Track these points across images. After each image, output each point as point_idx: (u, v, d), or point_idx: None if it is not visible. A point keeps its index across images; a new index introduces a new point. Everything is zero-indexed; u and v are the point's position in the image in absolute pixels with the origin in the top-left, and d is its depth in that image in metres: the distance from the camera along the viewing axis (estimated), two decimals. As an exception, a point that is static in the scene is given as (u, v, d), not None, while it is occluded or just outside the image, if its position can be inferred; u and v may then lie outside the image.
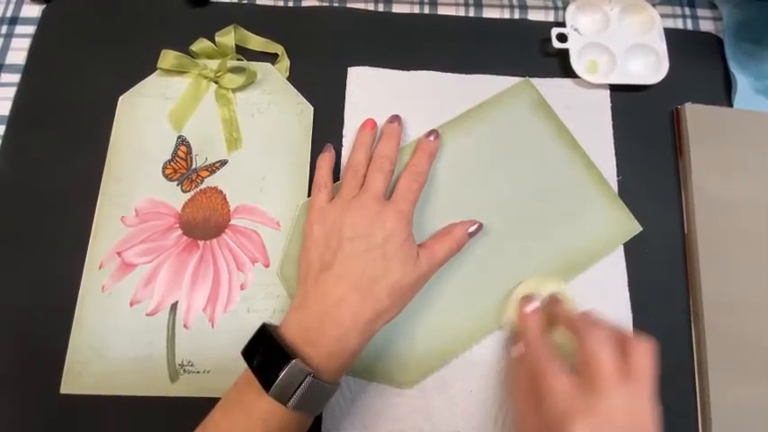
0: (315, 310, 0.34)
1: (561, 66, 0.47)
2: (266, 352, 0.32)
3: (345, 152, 0.44)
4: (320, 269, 0.36)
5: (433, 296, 0.40)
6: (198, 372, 0.38)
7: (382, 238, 0.36)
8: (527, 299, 0.38)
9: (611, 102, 0.46)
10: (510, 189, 0.43)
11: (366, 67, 0.46)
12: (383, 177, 0.39)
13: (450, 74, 0.46)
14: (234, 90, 0.45)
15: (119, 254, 0.40)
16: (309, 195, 0.42)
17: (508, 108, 0.45)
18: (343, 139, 0.44)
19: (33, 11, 0.48)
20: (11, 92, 0.45)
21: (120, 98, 0.44)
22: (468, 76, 0.46)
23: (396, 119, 0.43)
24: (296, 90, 0.45)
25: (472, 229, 0.40)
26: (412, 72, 0.46)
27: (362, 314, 0.34)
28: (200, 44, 0.45)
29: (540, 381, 0.33)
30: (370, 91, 0.46)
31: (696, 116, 0.44)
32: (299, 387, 0.30)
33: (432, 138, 0.42)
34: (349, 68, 0.46)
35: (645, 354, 0.32)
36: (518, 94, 0.45)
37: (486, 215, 0.41)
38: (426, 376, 0.39)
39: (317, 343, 0.33)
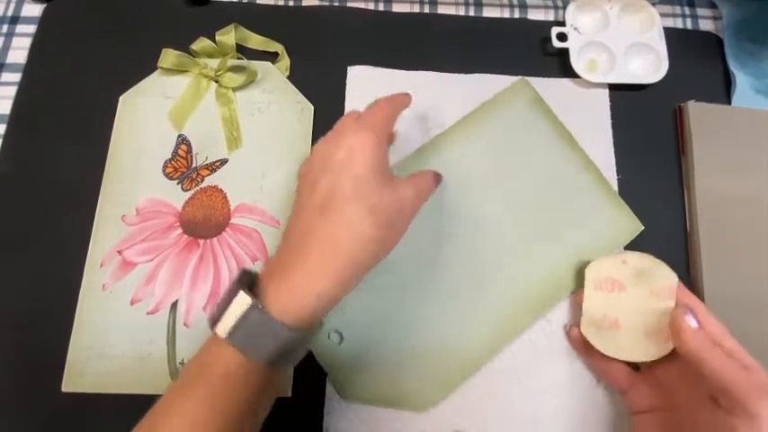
0: (288, 243, 0.31)
1: (561, 65, 0.47)
2: (227, 292, 0.30)
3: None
4: (307, 200, 0.32)
5: (444, 307, 0.39)
6: (198, 370, 0.38)
7: (346, 156, 0.31)
8: (682, 311, 0.34)
9: (611, 101, 0.46)
10: (512, 193, 0.42)
11: (366, 66, 0.46)
12: (370, 111, 0.35)
13: (449, 74, 0.46)
14: (234, 89, 0.45)
15: (119, 253, 0.40)
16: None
17: (506, 110, 0.45)
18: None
19: (34, 10, 0.48)
20: (11, 91, 0.45)
21: (121, 97, 0.44)
22: (468, 75, 0.46)
23: (408, 95, 0.38)
24: (296, 89, 0.45)
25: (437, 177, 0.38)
26: (412, 72, 0.46)
27: (339, 242, 0.29)
28: (201, 43, 0.45)
29: (716, 377, 0.31)
30: (371, 90, 0.45)
31: (699, 114, 0.44)
32: (240, 319, 0.28)
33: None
34: (349, 68, 0.46)
35: None
36: (515, 94, 0.45)
37: (489, 221, 0.41)
38: (448, 394, 0.38)
39: (279, 276, 0.29)
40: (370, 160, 0.32)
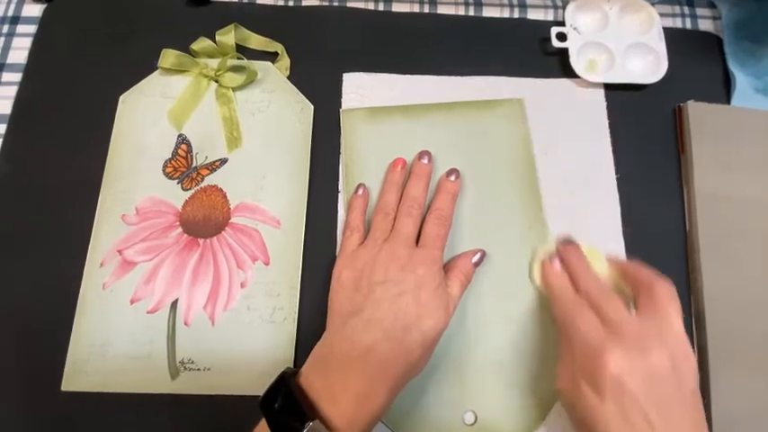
0: (341, 359, 0.32)
1: (560, 65, 0.47)
2: (284, 407, 0.31)
3: (343, 158, 0.44)
4: (349, 313, 0.34)
5: (517, 332, 0.39)
6: (198, 369, 0.38)
7: (415, 284, 0.34)
8: (550, 257, 0.39)
9: (610, 101, 0.46)
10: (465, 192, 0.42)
11: (361, 73, 0.46)
12: (413, 222, 0.38)
13: (446, 77, 0.46)
14: (234, 89, 0.45)
15: (119, 252, 0.40)
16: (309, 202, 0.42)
17: (490, 118, 0.45)
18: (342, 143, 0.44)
19: (34, 10, 0.48)
20: (12, 91, 0.45)
21: (121, 97, 0.44)
22: (464, 78, 0.46)
23: (425, 154, 0.42)
24: (296, 89, 0.45)
25: (476, 258, 0.39)
26: (407, 76, 0.46)
27: (392, 367, 0.32)
28: (201, 43, 0.46)
29: (569, 325, 0.34)
30: (367, 96, 0.45)
31: (698, 114, 0.44)
32: None
33: (453, 178, 0.41)
34: (344, 75, 0.46)
35: (668, 294, 0.33)
36: (506, 112, 0.45)
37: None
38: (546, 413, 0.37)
39: (339, 400, 0.31)
40: (434, 291, 0.35)
